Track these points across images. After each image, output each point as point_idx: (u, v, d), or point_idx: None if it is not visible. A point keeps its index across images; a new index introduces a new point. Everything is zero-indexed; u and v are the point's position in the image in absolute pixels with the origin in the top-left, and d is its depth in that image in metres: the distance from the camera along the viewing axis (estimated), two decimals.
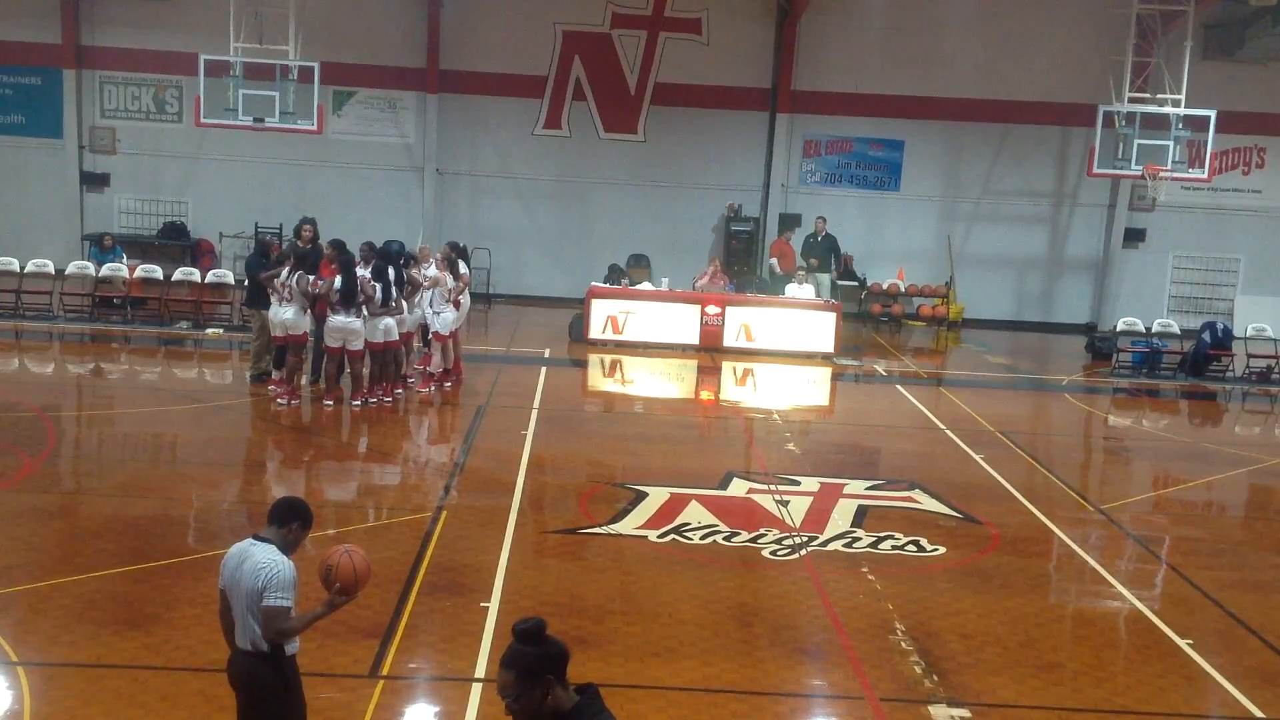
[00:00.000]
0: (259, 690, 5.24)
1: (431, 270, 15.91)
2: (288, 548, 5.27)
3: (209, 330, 19.55)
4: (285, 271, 14.38)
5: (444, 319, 15.52)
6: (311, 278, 14.43)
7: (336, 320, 14.14)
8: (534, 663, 3.80)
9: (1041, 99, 25.12)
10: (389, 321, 14.52)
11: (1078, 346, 23.47)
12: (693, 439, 14.85)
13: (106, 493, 10.82)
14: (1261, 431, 18.50)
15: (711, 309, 20.13)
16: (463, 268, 16.32)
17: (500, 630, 7.88)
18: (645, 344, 20.07)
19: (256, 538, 5.28)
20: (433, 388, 15.66)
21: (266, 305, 14.81)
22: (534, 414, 14.81)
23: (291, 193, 24.81)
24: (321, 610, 5.24)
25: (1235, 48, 23.90)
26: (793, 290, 21.40)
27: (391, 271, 14.63)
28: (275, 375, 15.02)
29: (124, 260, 21.32)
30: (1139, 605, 9.25)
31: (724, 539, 10.20)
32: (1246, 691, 7.68)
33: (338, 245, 14.53)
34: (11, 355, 17.69)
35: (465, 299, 16.52)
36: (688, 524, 10.51)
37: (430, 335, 15.82)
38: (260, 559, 5.16)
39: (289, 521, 5.30)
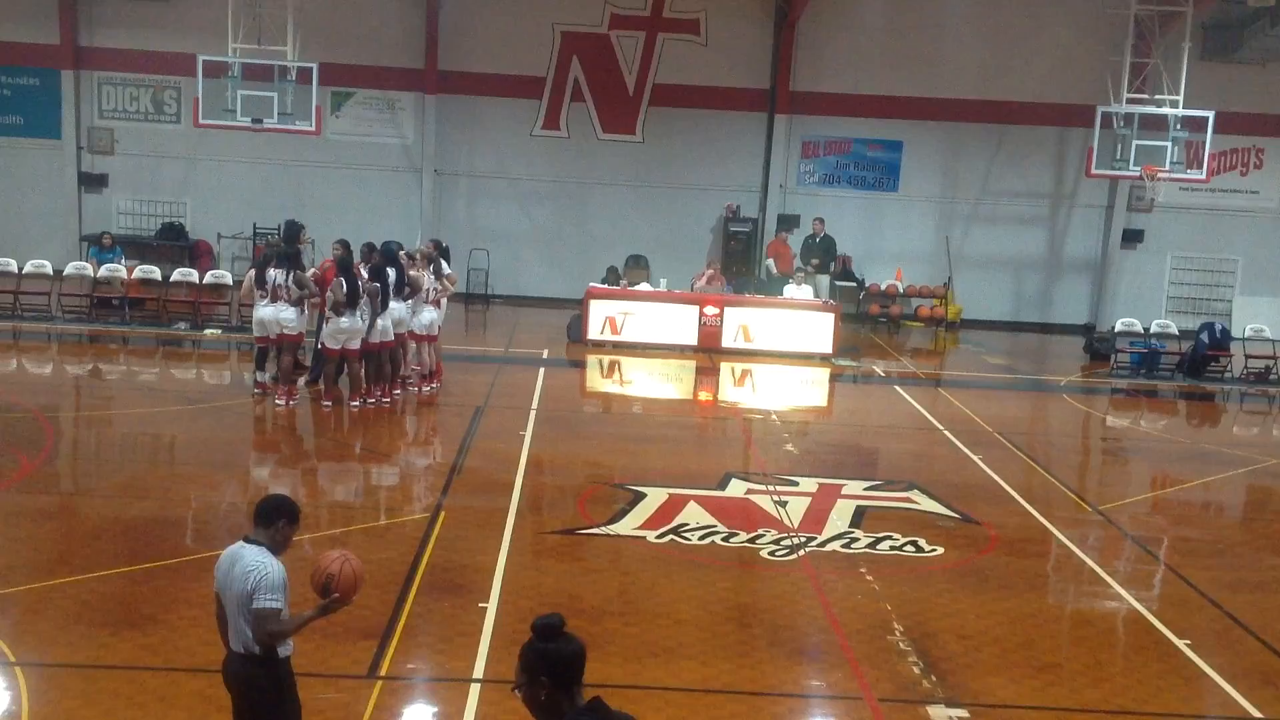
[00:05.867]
0: (252, 693, 5.24)
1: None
2: (278, 547, 5.28)
3: (207, 331, 19.54)
4: (280, 273, 14.31)
5: (422, 319, 15.43)
6: (311, 273, 14.43)
7: (343, 322, 14.10)
8: (535, 659, 3.77)
9: (1040, 100, 25.12)
10: (384, 322, 14.50)
11: (1076, 347, 23.48)
12: (691, 440, 14.85)
13: (104, 493, 10.82)
14: (1259, 432, 18.51)
15: (710, 310, 20.12)
16: (446, 267, 16.24)
17: (499, 631, 7.89)
18: (643, 345, 20.06)
19: (247, 540, 5.29)
20: (422, 389, 15.56)
21: None
22: (532, 415, 14.80)
23: (290, 194, 24.78)
24: (314, 613, 5.25)
25: (1233, 48, 23.91)
26: (791, 291, 21.41)
27: (392, 272, 14.64)
28: (261, 378, 14.80)
29: (122, 261, 21.31)
30: (1137, 606, 9.25)
31: (722, 539, 10.20)
32: (1245, 692, 7.69)
33: (345, 244, 14.57)
34: (10, 356, 17.68)
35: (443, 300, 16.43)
36: (686, 525, 10.51)
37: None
38: (250, 562, 5.16)
39: (275, 520, 5.30)
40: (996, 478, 12.89)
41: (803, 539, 10.32)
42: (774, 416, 15.94)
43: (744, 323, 20.17)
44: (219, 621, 5.38)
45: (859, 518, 11.04)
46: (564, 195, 25.81)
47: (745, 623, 8.47)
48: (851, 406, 17.91)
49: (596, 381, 18.63)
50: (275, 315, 14.26)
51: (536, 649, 3.78)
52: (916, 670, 7.75)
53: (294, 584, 5.34)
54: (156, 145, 25.14)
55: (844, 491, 11.98)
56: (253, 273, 14.61)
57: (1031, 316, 26.15)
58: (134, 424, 13.72)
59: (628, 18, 25.22)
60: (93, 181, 25.26)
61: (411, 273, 15.20)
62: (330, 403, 14.46)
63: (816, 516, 11.02)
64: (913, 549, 10.21)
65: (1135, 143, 21.51)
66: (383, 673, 7.28)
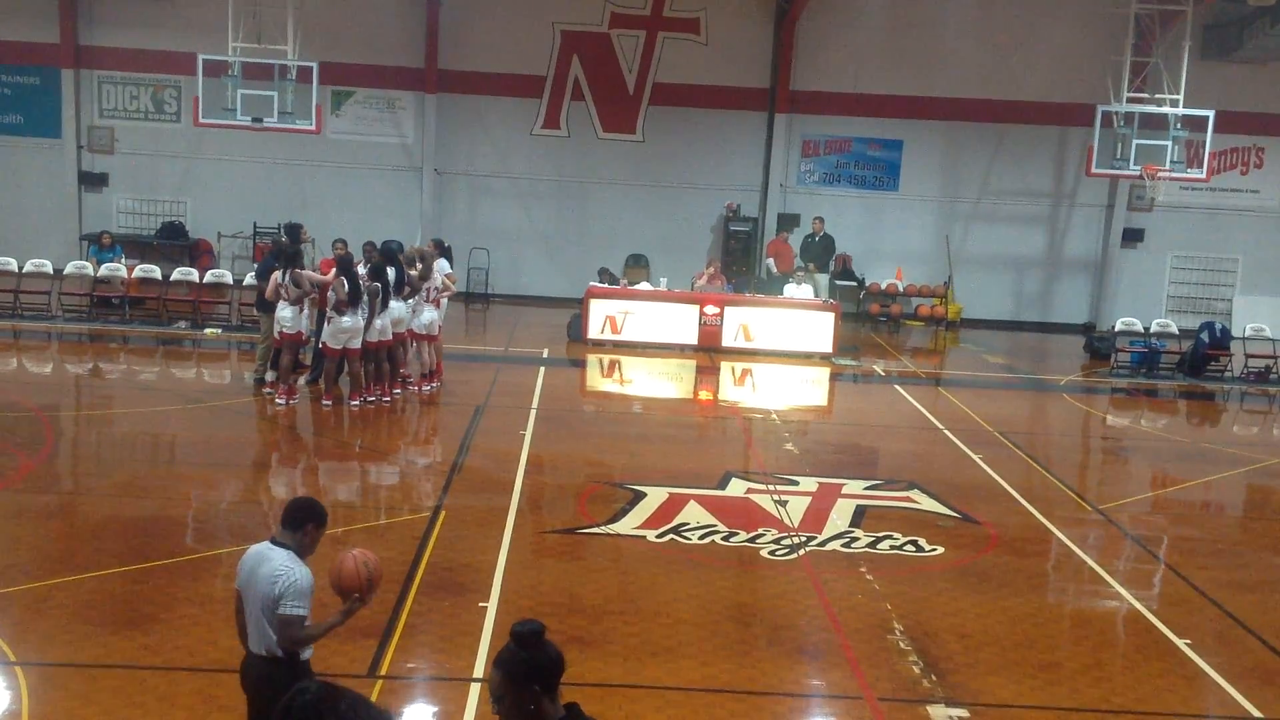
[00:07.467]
0: (273, 695, 5.22)
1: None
2: (304, 550, 5.25)
3: (207, 330, 19.54)
4: (280, 273, 14.32)
5: (422, 319, 15.40)
6: (312, 274, 14.43)
7: (345, 322, 14.09)
8: (522, 668, 3.74)
9: (1040, 99, 25.11)
10: (382, 322, 14.49)
11: (1076, 346, 23.47)
12: (691, 439, 14.85)
13: (105, 493, 10.82)
14: (1259, 431, 18.50)
15: (710, 309, 20.12)
16: (447, 267, 16.19)
17: (499, 630, 7.88)
18: (644, 344, 20.05)
19: (274, 541, 5.26)
20: (422, 388, 15.57)
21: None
22: (532, 414, 14.80)
23: (290, 193, 24.78)
24: (338, 619, 5.24)
25: (1234, 48, 23.90)
26: (791, 290, 21.41)
27: (392, 271, 14.64)
28: (270, 378, 14.93)
29: (122, 260, 21.31)
30: (1137, 605, 9.25)
31: (722, 539, 10.20)
32: (1245, 691, 7.69)
33: (346, 244, 14.57)
34: (10, 355, 17.68)
35: (444, 300, 16.42)
36: (686, 524, 10.51)
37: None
38: (278, 565, 5.14)
39: (303, 524, 5.28)
40: (996, 477, 12.89)
41: (803, 538, 10.32)
42: (774, 416, 15.93)
43: (744, 322, 20.17)
44: (238, 619, 5.33)
45: (859, 517, 11.04)
46: (564, 194, 25.81)
47: (745, 622, 8.47)
48: (851, 406, 17.91)
49: (596, 381, 18.63)
50: (278, 314, 14.30)
51: (522, 659, 3.75)
52: (916, 670, 7.76)
53: (316, 589, 5.32)
54: (156, 144, 25.13)
55: (844, 491, 11.98)
56: (278, 274, 14.55)
57: (1031, 316, 26.15)
58: (134, 423, 13.72)
59: (628, 17, 25.21)
60: (93, 180, 25.25)
61: (411, 272, 15.20)
62: (330, 402, 14.46)
63: (816, 516, 11.02)
64: (913, 548, 10.22)
65: (1135, 142, 21.52)
66: (383, 672, 7.28)
